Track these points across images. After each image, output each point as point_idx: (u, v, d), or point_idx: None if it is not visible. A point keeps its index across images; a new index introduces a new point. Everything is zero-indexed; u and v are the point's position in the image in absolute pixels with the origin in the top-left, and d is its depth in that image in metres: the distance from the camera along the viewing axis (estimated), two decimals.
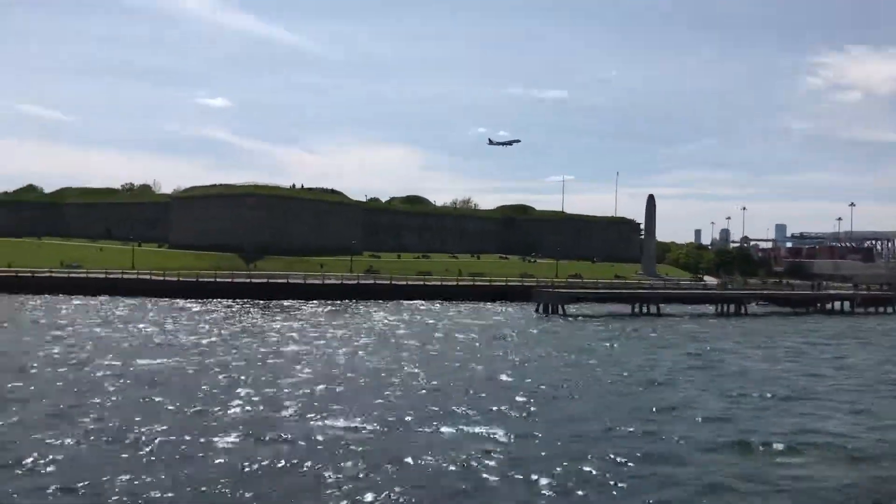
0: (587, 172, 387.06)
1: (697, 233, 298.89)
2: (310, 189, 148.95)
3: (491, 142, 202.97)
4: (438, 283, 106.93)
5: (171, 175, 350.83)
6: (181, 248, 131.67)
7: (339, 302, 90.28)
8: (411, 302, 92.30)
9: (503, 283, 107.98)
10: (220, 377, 35.52)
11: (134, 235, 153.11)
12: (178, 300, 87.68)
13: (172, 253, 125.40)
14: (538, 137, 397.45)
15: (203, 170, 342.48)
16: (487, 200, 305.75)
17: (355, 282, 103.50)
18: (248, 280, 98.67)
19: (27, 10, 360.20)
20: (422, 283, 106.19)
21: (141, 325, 59.31)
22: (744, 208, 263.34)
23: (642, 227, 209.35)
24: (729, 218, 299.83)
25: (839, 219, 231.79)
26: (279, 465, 21.48)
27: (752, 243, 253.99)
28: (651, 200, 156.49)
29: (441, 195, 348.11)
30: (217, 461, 21.80)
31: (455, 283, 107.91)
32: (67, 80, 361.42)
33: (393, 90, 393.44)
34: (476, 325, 66.93)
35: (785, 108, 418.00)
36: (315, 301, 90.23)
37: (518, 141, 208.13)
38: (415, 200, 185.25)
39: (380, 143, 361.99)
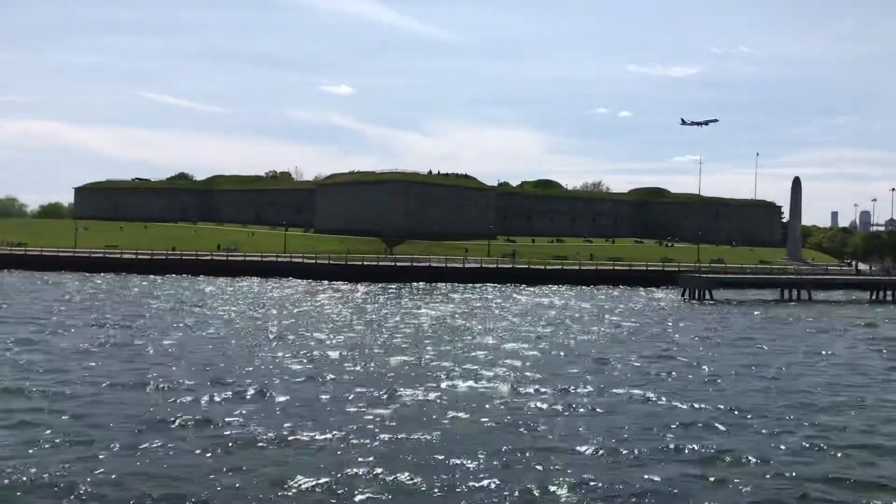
0: (718, 153, 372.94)
1: (834, 215, 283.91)
2: (445, 175, 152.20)
3: (684, 122, 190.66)
4: (577, 267, 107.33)
5: (298, 161, 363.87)
6: (325, 233, 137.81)
7: (479, 285, 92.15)
8: (554, 286, 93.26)
9: (643, 268, 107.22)
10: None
11: (280, 220, 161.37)
12: (327, 281, 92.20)
13: (318, 237, 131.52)
14: (666, 117, 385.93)
15: (328, 156, 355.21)
16: (615, 183, 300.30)
17: (495, 265, 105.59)
18: (392, 264, 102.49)
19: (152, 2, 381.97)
20: (560, 267, 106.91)
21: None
22: (893, 189, 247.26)
23: (783, 209, 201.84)
24: (875, 200, 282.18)
25: None
26: None
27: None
28: (797, 183, 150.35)
29: (565, 178, 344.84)
30: None
31: (594, 267, 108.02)
32: (198, 69, 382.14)
33: (514, 72, 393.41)
34: (636, 309, 67.07)
35: None
36: (458, 283, 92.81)
37: (715, 120, 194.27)
38: (546, 184, 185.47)
39: (501, 125, 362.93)
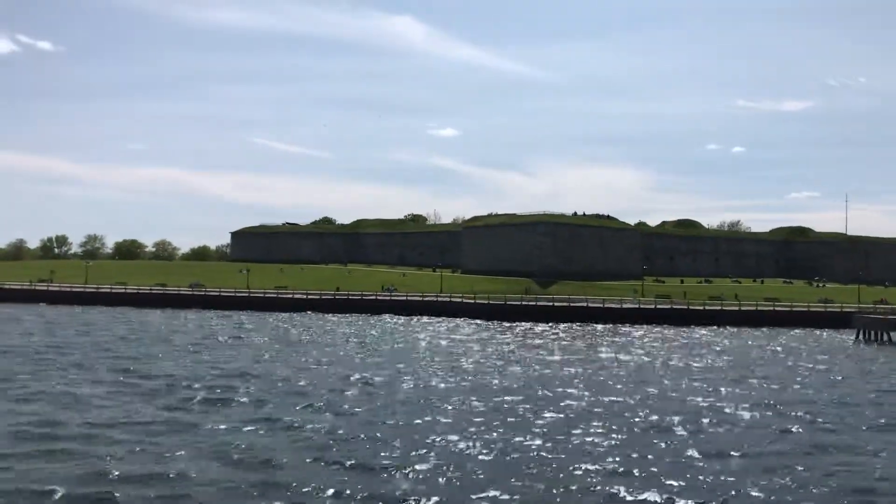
0: (835, 189, 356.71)
1: None
2: (587, 215, 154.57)
3: None
4: (736, 307, 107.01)
5: (402, 202, 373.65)
6: (473, 273, 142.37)
7: (635, 325, 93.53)
8: (717, 327, 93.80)
9: (805, 309, 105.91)
10: None
11: (424, 261, 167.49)
12: (483, 321, 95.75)
13: (469, 278, 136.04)
14: (776, 152, 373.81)
15: (434, 198, 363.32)
16: (712, 220, 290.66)
17: (652, 306, 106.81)
18: (552, 304, 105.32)
19: (261, 53, 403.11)
20: (719, 307, 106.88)
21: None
22: None
23: None
24: None
25: None
26: None
27: None
28: None
29: (666, 215, 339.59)
30: None
31: (754, 307, 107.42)
32: (307, 115, 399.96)
33: (615, 109, 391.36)
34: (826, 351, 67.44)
35: None
36: (610, 324, 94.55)
37: None
38: (687, 224, 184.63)
39: (604, 163, 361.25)
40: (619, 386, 40.83)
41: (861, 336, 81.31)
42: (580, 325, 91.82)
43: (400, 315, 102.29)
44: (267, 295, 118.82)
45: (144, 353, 52.75)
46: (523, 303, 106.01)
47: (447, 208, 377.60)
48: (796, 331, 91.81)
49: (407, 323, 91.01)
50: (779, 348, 69.34)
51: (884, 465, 24.63)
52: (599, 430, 28.61)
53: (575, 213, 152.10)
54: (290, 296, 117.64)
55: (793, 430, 29.88)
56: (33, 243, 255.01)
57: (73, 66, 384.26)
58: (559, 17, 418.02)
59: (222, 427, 27.97)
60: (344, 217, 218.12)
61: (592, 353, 60.15)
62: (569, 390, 38.65)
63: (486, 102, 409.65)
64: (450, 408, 32.77)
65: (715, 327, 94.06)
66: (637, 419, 31.09)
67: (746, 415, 32.91)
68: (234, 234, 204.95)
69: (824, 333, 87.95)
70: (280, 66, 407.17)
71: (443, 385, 39.73)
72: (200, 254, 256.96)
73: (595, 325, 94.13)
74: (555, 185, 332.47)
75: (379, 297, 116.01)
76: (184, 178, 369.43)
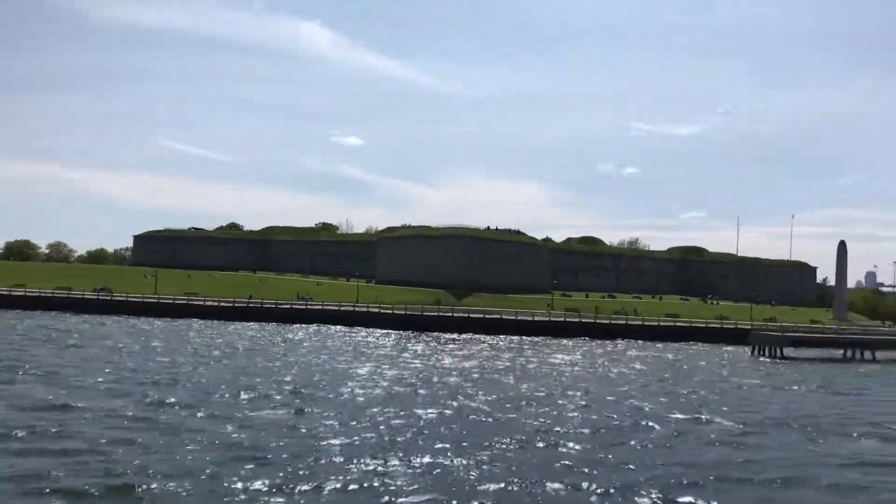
0: (721, 210, 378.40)
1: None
2: (498, 230, 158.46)
3: None
4: (640, 322, 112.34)
5: (308, 209, 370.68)
6: (387, 284, 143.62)
7: (545, 338, 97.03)
8: (623, 340, 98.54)
9: (703, 325, 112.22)
10: None
11: (336, 270, 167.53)
12: (401, 331, 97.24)
13: (385, 288, 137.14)
14: (668, 173, 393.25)
15: (338, 206, 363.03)
16: (610, 237, 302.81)
17: (562, 319, 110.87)
18: (467, 315, 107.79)
19: (156, 51, 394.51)
20: (624, 322, 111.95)
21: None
22: None
23: (817, 270, 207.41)
24: (876, 266, 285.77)
25: None
26: None
27: None
28: (842, 246, 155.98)
29: (566, 231, 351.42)
30: None
31: (657, 322, 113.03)
32: (210, 117, 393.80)
33: (520, 126, 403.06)
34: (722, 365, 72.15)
35: None
36: (529, 336, 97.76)
37: None
38: (591, 241, 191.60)
39: (508, 178, 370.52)
40: (562, 392, 43.25)
41: (757, 351, 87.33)
42: (497, 337, 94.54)
43: (314, 324, 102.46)
44: (177, 301, 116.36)
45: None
46: (440, 314, 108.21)
47: (353, 217, 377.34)
48: (700, 345, 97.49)
49: (325, 332, 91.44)
50: (702, 361, 73.90)
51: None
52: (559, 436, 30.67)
53: (488, 228, 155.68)
54: (202, 302, 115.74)
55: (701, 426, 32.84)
56: None
57: None
58: (468, 33, 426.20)
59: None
60: (249, 223, 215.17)
61: (519, 361, 62.64)
62: (509, 407, 40.69)
63: (392, 112, 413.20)
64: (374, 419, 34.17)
65: (623, 340, 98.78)
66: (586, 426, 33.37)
67: (679, 416, 35.81)
68: (138, 238, 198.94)
69: (726, 348, 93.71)
70: (185, 66, 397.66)
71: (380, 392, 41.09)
72: (98, 257, 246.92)
73: (511, 336, 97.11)
74: (459, 197, 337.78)
75: (295, 306, 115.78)
76: (79, 177, 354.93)
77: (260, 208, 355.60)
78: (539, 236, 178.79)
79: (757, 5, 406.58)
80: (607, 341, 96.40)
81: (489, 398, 40.11)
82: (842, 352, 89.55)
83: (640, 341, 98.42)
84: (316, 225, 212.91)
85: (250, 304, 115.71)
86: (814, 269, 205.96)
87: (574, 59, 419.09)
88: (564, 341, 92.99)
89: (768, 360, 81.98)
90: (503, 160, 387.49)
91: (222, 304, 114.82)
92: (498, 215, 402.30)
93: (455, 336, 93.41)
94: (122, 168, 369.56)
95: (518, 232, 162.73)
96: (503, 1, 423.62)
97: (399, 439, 28.38)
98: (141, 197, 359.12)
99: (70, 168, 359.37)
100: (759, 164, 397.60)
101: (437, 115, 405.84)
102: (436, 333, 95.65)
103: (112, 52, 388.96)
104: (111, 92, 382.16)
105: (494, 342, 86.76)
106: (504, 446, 27.96)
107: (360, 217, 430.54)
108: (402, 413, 34.03)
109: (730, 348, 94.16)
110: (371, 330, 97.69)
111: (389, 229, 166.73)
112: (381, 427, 30.53)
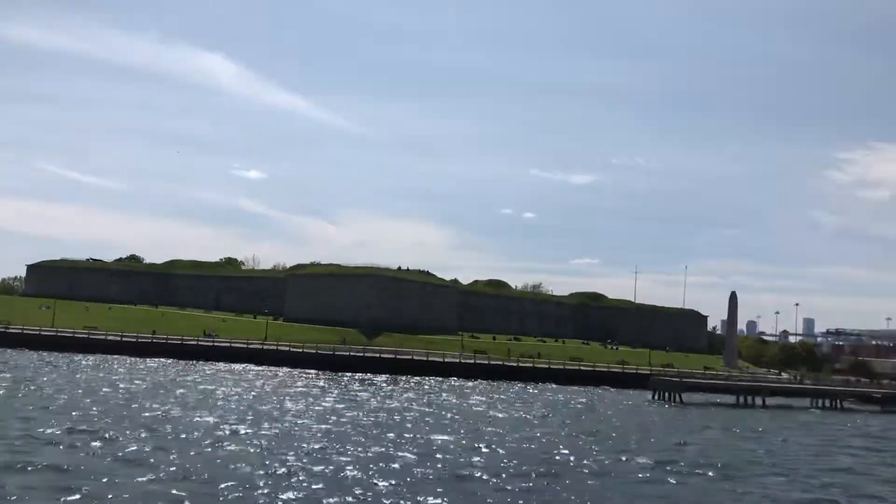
0: (611, 258, 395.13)
1: (723, 323, 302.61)
2: (409, 270, 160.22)
3: None
4: (546, 365, 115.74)
5: (208, 243, 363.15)
6: (296, 322, 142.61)
7: (457, 380, 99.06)
8: (530, 383, 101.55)
9: (605, 370, 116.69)
10: None
11: (241, 306, 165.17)
12: (318, 371, 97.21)
13: (293, 326, 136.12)
14: (564, 220, 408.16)
15: (237, 239, 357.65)
16: (515, 280, 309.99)
17: (472, 361, 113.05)
18: (392, 356, 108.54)
19: (59, 75, 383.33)
20: (531, 365, 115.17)
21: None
22: (797, 304, 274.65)
23: (707, 318, 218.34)
24: (760, 316, 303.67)
25: (889, 318, 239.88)
26: None
27: (788, 338, 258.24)
28: (734, 297, 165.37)
29: (466, 272, 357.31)
30: None
31: (562, 366, 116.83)
32: (108, 146, 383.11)
33: (422, 167, 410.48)
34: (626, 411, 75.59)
35: (813, 201, 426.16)
36: (436, 377, 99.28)
37: None
38: (497, 284, 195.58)
39: (408, 218, 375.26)
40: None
41: (656, 396, 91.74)
42: (408, 377, 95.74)
43: (221, 362, 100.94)
44: (77, 335, 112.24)
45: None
46: (351, 353, 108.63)
47: (253, 251, 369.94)
48: (606, 388, 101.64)
49: (232, 371, 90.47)
50: (609, 405, 77.18)
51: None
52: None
53: (399, 268, 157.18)
54: (104, 337, 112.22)
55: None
56: None
57: None
58: (372, 74, 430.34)
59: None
60: (148, 255, 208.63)
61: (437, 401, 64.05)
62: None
63: (294, 148, 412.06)
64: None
65: (531, 382, 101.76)
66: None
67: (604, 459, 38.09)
68: (31, 267, 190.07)
69: (628, 392, 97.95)
70: (76, 91, 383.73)
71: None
72: None
73: (423, 377, 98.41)
74: (360, 235, 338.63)
75: (201, 342, 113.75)
76: None
77: (156, 239, 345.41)
78: (441, 277, 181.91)
79: (647, 66, 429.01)
80: (517, 383, 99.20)
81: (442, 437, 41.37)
82: (734, 398, 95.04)
83: (551, 384, 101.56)
84: (220, 259, 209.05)
85: (154, 340, 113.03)
86: (705, 318, 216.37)
87: (476, 105, 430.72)
88: (470, 383, 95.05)
89: (666, 404, 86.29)
90: (404, 200, 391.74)
91: (125, 338, 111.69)
92: (400, 255, 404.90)
93: (369, 376, 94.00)
94: (2, 193, 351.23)
95: (427, 273, 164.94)
96: (406, 46, 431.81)
97: None
98: (25, 224, 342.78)
99: None
100: (649, 214, 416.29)
101: (340, 153, 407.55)
102: (349, 374, 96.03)
103: None
104: None
105: (416, 383, 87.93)
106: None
107: (260, 252, 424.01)
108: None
109: (632, 392, 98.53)
110: (281, 368, 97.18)
111: (298, 266, 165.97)
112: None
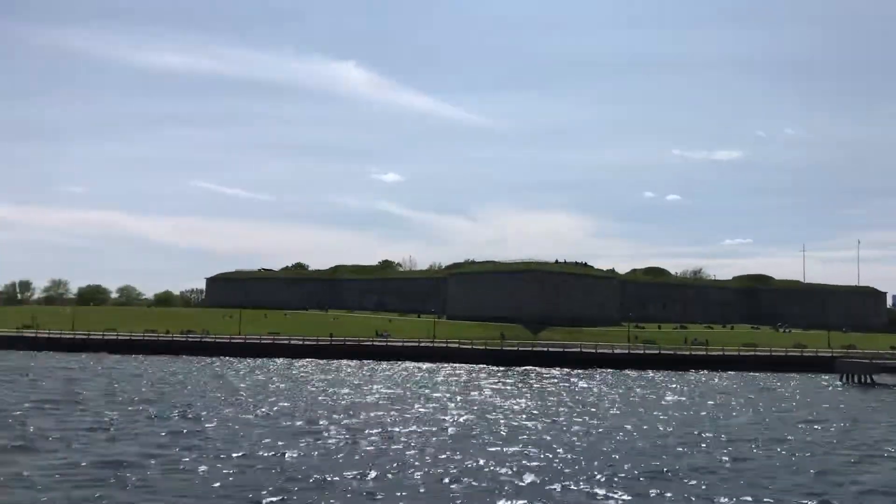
0: (765, 236, 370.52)
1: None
2: (567, 263, 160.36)
3: None
4: (720, 352, 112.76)
5: (347, 247, 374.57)
6: (458, 319, 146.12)
7: (633, 370, 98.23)
8: (703, 370, 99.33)
9: (783, 353, 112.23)
10: None
11: (404, 307, 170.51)
12: (488, 365, 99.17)
13: (459, 324, 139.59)
14: (711, 200, 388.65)
15: (376, 241, 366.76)
16: (667, 265, 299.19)
17: (642, 351, 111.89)
18: (547, 349, 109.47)
19: (198, 95, 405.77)
20: (704, 352, 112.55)
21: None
22: None
23: (886, 294, 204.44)
24: None
25: None
26: None
27: None
28: None
29: (612, 261, 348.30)
30: None
31: (737, 352, 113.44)
32: (248, 159, 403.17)
33: (557, 157, 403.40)
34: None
35: None
36: (609, 369, 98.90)
37: None
38: (656, 272, 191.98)
39: (547, 209, 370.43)
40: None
41: (846, 379, 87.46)
42: (582, 370, 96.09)
43: (393, 360, 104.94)
44: (262, 341, 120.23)
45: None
46: (519, 348, 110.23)
47: (401, 254, 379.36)
48: (792, 374, 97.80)
49: (423, 370, 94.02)
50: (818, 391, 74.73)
51: None
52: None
53: (556, 261, 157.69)
54: (287, 341, 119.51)
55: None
56: None
57: (12, 105, 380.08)
58: (500, 66, 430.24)
59: None
60: (310, 262, 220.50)
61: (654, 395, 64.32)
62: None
63: (429, 148, 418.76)
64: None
65: (703, 370, 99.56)
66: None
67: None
68: (210, 280, 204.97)
69: (809, 376, 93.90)
70: (220, 110, 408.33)
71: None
72: (165, 299, 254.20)
73: (596, 368, 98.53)
74: (499, 230, 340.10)
75: (375, 343, 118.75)
76: (122, 222, 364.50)
77: (308, 247, 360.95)
78: (606, 268, 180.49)
79: (780, 33, 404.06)
80: (692, 371, 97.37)
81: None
82: None
83: (730, 372, 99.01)
84: (379, 263, 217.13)
85: (333, 343, 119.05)
86: (883, 294, 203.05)
87: (610, 88, 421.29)
88: (650, 373, 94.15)
89: (858, 387, 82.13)
90: (540, 191, 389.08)
91: (307, 342, 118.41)
92: (539, 248, 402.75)
93: (546, 370, 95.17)
94: (162, 211, 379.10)
95: (585, 265, 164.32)
96: (530, 34, 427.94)
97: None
98: (182, 238, 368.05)
99: (110, 211, 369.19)
100: (805, 186, 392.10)
101: (473, 149, 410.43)
102: (524, 368, 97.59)
103: (139, 98, 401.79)
104: (142, 137, 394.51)
105: (600, 375, 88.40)
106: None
107: (405, 253, 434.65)
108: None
109: (813, 376, 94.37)
110: (461, 365, 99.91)
111: (454, 265, 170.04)
112: None
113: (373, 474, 28.77)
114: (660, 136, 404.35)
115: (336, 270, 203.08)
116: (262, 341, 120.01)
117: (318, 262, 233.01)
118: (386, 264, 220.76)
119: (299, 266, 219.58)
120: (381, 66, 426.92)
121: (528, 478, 28.76)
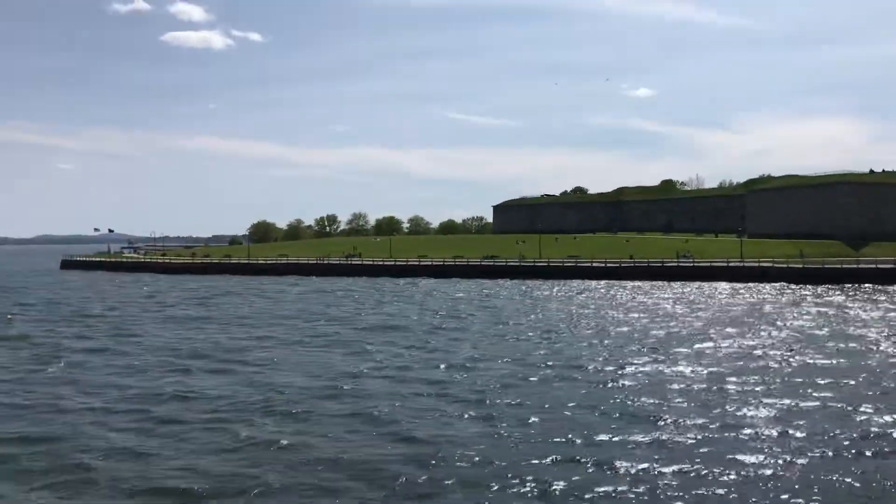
0: None
1: None
2: (884, 172, 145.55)
3: None
4: None
5: (596, 168, 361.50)
6: (760, 237, 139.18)
7: None
8: None
9: None
10: None
11: (693, 227, 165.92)
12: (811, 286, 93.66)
13: (766, 242, 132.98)
14: None
15: (628, 160, 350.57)
16: None
17: None
18: (876, 265, 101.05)
19: (426, 30, 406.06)
20: None
21: None
22: None
23: None
24: None
25: None
26: None
27: None
28: None
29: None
30: None
31: None
32: (496, 87, 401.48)
33: (828, 57, 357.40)
34: None
35: None
36: None
37: None
38: None
39: (819, 116, 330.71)
40: None
41: None
42: None
43: (697, 281, 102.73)
44: (565, 264, 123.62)
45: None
46: (843, 266, 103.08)
47: (648, 172, 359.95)
48: None
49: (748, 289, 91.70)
50: None
51: None
52: None
53: (871, 171, 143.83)
54: (589, 264, 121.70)
55: None
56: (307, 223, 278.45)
57: (279, 54, 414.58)
58: None
59: None
60: (544, 188, 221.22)
61: None
62: None
63: (682, 58, 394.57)
64: None
65: None
66: None
67: None
68: (496, 208, 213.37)
69: None
70: (466, 40, 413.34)
71: None
72: (450, 227, 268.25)
73: None
74: (765, 141, 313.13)
75: (681, 264, 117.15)
76: (380, 156, 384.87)
77: (544, 172, 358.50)
78: None
79: None
80: None
81: None
82: None
83: None
84: (660, 183, 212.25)
85: (637, 264, 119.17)
86: None
87: None
88: None
89: None
90: (808, 97, 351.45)
91: (608, 264, 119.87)
92: (808, 158, 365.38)
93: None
94: (417, 143, 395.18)
95: None
96: None
97: None
98: (435, 168, 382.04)
99: (374, 147, 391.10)
100: None
101: (730, 56, 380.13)
102: (860, 286, 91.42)
103: (399, 34, 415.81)
104: (402, 73, 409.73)
105: None
106: None
107: (656, 171, 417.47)
108: None
109: None
110: (789, 285, 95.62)
111: (753, 181, 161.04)
112: None
113: None
114: None
115: (620, 192, 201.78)
116: (566, 264, 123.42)
117: (569, 184, 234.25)
118: (666, 184, 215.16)
119: (578, 190, 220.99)
120: None
121: None
